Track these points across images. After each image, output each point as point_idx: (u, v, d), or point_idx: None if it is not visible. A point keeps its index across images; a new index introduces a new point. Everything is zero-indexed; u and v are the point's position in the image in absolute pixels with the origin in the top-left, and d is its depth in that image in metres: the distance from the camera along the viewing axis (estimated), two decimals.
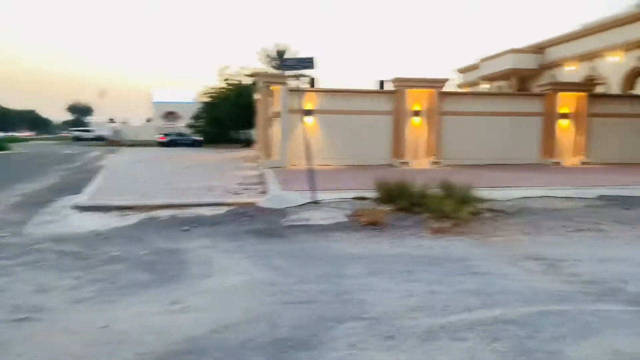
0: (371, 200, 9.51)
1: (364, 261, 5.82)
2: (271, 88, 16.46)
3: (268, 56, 40.99)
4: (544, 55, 29.68)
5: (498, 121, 17.25)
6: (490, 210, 8.94)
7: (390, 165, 16.81)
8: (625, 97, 19.04)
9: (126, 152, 31.82)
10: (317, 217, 8.46)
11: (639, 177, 13.08)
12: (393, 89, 16.96)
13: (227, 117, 35.49)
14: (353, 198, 9.65)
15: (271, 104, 16.91)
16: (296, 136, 16.35)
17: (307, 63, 8.80)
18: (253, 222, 8.30)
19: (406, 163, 16.53)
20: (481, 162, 17.08)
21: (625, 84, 22.87)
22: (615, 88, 23.11)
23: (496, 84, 34.03)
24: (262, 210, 9.10)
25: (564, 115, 17.28)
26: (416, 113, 16.85)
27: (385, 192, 9.39)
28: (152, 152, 31.47)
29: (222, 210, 9.26)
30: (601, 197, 10.10)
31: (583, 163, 17.19)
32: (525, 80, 31.41)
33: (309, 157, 9.52)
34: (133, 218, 8.74)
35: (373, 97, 16.87)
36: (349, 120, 16.82)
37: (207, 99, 38.40)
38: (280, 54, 39.82)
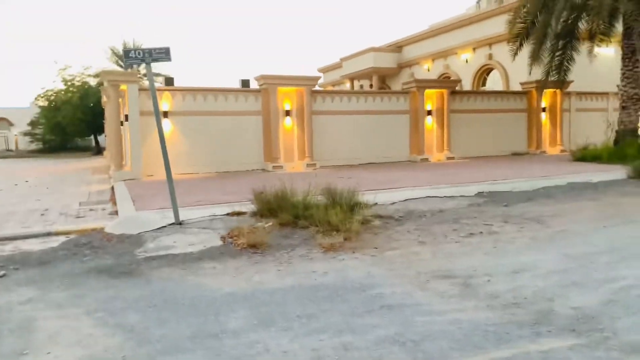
0: (248, 215, 8.19)
1: (249, 303, 4.51)
2: (120, 88, 14.18)
3: (115, 54, 37.13)
4: (401, 54, 30.95)
5: (369, 119, 17.03)
6: (378, 216, 8.19)
7: (263, 170, 15.60)
8: (479, 93, 20.21)
9: None
10: (182, 242, 6.90)
11: (503, 170, 13.62)
12: (260, 87, 15.74)
13: (71, 123, 31.33)
14: (227, 214, 8.24)
15: (121, 106, 14.62)
16: (151, 142, 14.33)
17: (160, 54, 7.16)
18: (98, 256, 6.47)
19: (280, 167, 15.45)
20: (355, 162, 16.72)
21: (477, 81, 24.55)
22: (467, 84, 24.69)
23: (358, 82, 34.82)
24: (111, 238, 7.25)
25: (429, 112, 17.66)
26: (287, 113, 15.85)
27: (264, 204, 8.14)
28: None
29: (57, 241, 7.22)
30: (479, 194, 10.02)
31: (448, 158, 17.74)
32: (386, 78, 32.55)
33: (167, 166, 7.87)
34: None
35: (239, 96, 15.49)
36: (213, 122, 15.23)
37: (45, 103, 33.50)
38: (129, 51, 36.21)
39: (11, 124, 51.61)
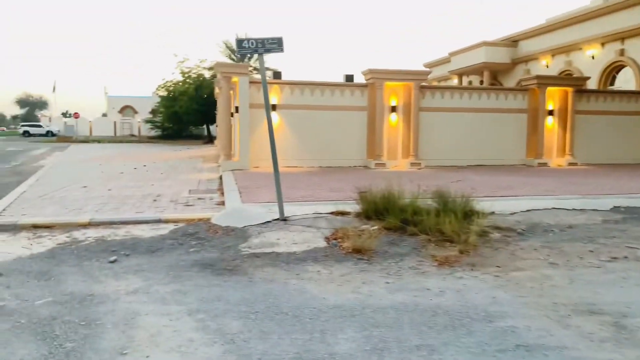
0: (353, 215, 7.79)
1: (358, 322, 4.08)
2: (232, 80, 14.48)
3: (228, 48, 38.70)
4: (516, 49, 28.78)
5: (481, 118, 15.85)
6: (497, 228, 7.37)
7: (365, 167, 15.16)
8: (610, 92, 17.99)
9: (76, 149, 29.11)
10: (286, 240, 6.66)
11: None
12: (366, 82, 15.26)
13: (186, 113, 33.20)
14: (331, 213, 7.90)
15: (232, 98, 14.95)
16: (260, 134, 14.49)
17: (273, 44, 6.96)
18: (204, 248, 6.44)
19: (383, 164, 14.90)
20: (463, 163, 15.68)
21: (604, 79, 22.02)
22: (592, 83, 22.23)
23: (467, 78, 33.02)
24: (217, 229, 7.24)
25: (551, 112, 16.05)
26: (393, 109, 15.23)
27: (370, 205, 7.68)
28: (106, 149, 28.90)
29: (166, 229, 7.35)
30: (615, 209, 8.72)
31: (570, 164, 16.02)
32: (498, 74, 30.49)
33: (275, 159, 7.69)
34: (48, 242, 6.74)
35: (345, 91, 15.14)
36: (319, 116, 15.05)
37: (165, 93, 35.86)
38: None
39: (135, 112, 56.46)
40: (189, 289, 4.94)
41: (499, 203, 8.75)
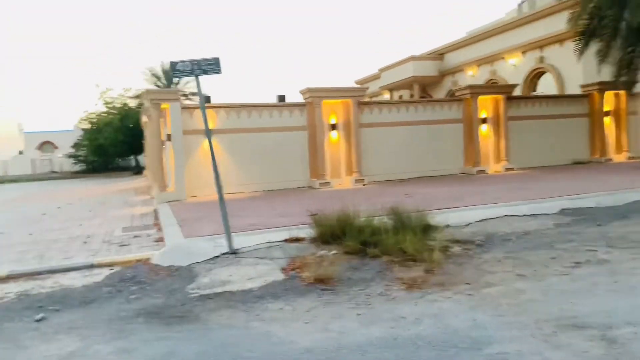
0: (308, 241, 7.31)
1: None
2: (162, 107, 13.68)
3: (154, 75, 37.45)
4: (443, 62, 29.81)
5: (419, 130, 15.98)
6: (456, 241, 7.17)
7: (309, 187, 14.77)
8: (537, 97, 18.83)
9: None
10: (240, 276, 6.06)
11: (576, 182, 12.31)
12: (305, 100, 14.98)
13: (112, 144, 31.62)
14: (284, 240, 7.38)
15: (163, 125, 14.11)
16: (195, 162, 13.75)
17: (210, 66, 6.42)
18: (147, 293, 5.70)
19: (327, 183, 14.58)
20: (405, 176, 15.70)
21: (527, 86, 23.15)
22: (517, 90, 23.27)
23: (397, 93, 33.81)
24: (159, 270, 6.50)
25: (484, 120, 16.49)
26: (333, 126, 15.02)
27: (325, 229, 7.24)
28: (24, 189, 26.62)
29: (100, 275, 6.52)
30: (563, 212, 8.85)
31: (507, 169, 16.48)
32: (427, 87, 31.42)
33: (219, 186, 7.09)
34: None
35: (284, 111, 14.76)
36: (258, 138, 14.54)
37: (88, 126, 34.01)
38: (168, 73, 36.46)
39: (56, 147, 53.04)
40: (135, 345, 4.25)
41: (453, 215, 8.62)
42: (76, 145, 38.98)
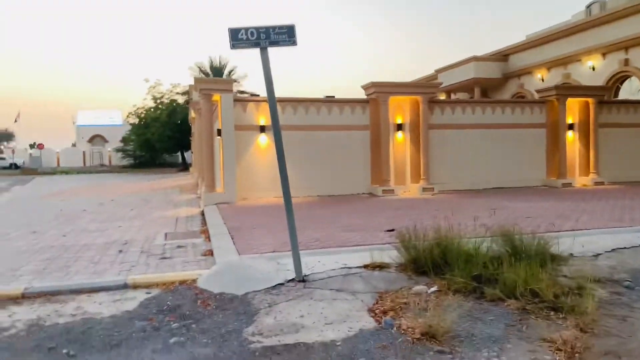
0: (395, 269, 5.70)
1: None
2: (213, 98, 12.39)
3: (202, 72, 36.70)
4: (507, 63, 27.58)
5: (496, 135, 14.11)
6: (596, 281, 5.36)
7: (370, 194, 13.15)
8: (632, 103, 16.48)
9: (40, 182, 26.36)
10: (314, 317, 4.50)
11: None
12: (368, 97, 13.37)
13: (159, 140, 31.08)
14: (364, 266, 5.78)
15: (214, 119, 12.81)
16: (248, 160, 12.39)
17: (281, 35, 4.92)
18: (191, 336, 4.24)
19: (391, 191, 12.92)
20: (479, 186, 13.84)
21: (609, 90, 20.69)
22: None
23: (454, 95, 31.68)
24: (208, 299, 5.04)
25: (571, 127, 14.41)
26: (399, 127, 13.35)
27: (419, 254, 5.60)
28: (72, 181, 26.23)
29: (134, 301, 5.12)
30: None
31: (596, 183, 14.32)
32: (488, 90, 29.20)
33: (286, 191, 5.56)
34: None
35: (345, 108, 13.22)
36: (314, 137, 13.05)
37: (135, 121, 33.65)
38: (217, 69, 35.60)
39: (106, 141, 53.72)
40: None
41: (569, 240, 6.78)
42: (124, 140, 38.97)
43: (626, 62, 19.93)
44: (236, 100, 12.39)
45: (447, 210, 9.99)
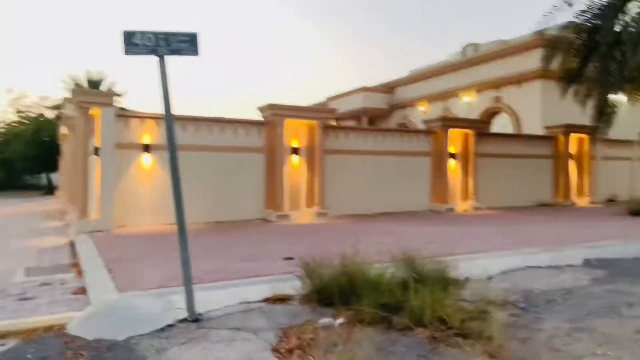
0: (298, 301, 5.29)
1: None
2: (90, 112, 11.17)
3: (77, 85, 33.77)
4: (393, 95, 29.16)
5: (387, 162, 14.54)
6: (491, 303, 5.45)
7: (264, 220, 12.70)
8: (506, 136, 18.12)
9: None
10: None
11: (567, 227, 11.23)
12: (264, 118, 13.05)
13: (21, 159, 27.60)
14: (265, 300, 5.29)
15: (90, 135, 11.53)
16: (127, 183, 11.32)
17: (183, 43, 4.39)
18: None
19: (286, 216, 12.59)
20: (371, 212, 14.09)
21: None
22: None
23: (343, 123, 32.68)
24: (80, 349, 4.19)
25: (452, 156, 15.35)
26: (294, 151, 13.15)
27: (324, 284, 5.27)
28: None
29: None
30: (589, 263, 7.47)
31: (475, 208, 15.34)
32: (375, 120, 30.55)
33: (180, 215, 4.90)
34: None
35: (238, 129, 12.73)
36: (205, 159, 12.34)
37: None
38: (94, 83, 32.94)
39: None
40: None
41: (465, 265, 6.95)
42: None
43: (498, 99, 22.03)
44: (118, 115, 11.29)
45: (344, 236, 9.89)
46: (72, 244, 9.53)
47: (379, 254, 6.61)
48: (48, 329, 4.61)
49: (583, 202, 17.76)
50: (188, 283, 4.66)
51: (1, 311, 5.18)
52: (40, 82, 57.98)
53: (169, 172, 5.06)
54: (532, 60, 19.81)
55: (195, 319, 4.68)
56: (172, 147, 4.81)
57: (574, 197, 17.75)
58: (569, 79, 13.73)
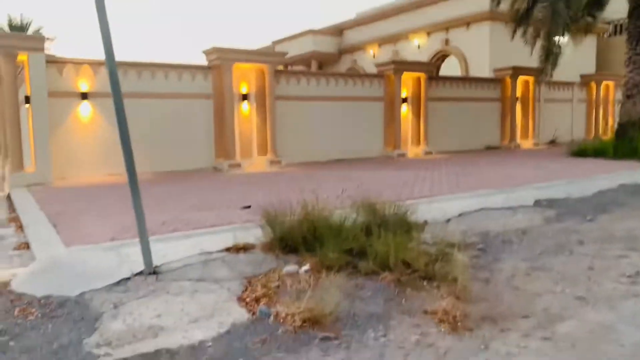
0: (260, 249, 5.15)
1: None
2: (18, 59, 10.17)
3: (13, 27, 30.61)
4: (342, 38, 28.55)
5: (339, 107, 14.34)
6: (451, 245, 5.54)
7: (215, 169, 12.34)
8: (456, 79, 18.22)
9: None
10: (175, 315, 3.75)
11: (517, 168, 11.61)
12: (210, 63, 12.39)
13: None
14: (226, 250, 5.11)
15: (19, 84, 10.56)
16: (66, 133, 10.59)
17: None
18: (9, 358, 3.19)
19: (237, 165, 12.28)
20: (324, 158, 13.99)
21: None
22: None
23: (291, 69, 31.90)
24: (29, 306, 3.91)
25: (405, 100, 15.34)
26: (244, 97, 12.68)
27: (286, 231, 5.14)
28: None
29: None
30: (540, 204, 7.75)
31: (426, 153, 15.56)
32: (323, 65, 29.96)
33: (130, 164, 4.55)
34: None
35: (183, 74, 12.07)
36: (150, 106, 11.68)
37: None
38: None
39: None
40: None
41: (422, 208, 7.02)
42: None
43: (447, 42, 22.00)
44: (50, 61, 10.34)
45: (300, 183, 9.75)
46: (8, 198, 8.89)
47: (338, 200, 6.52)
48: None
49: (528, 144, 18.43)
50: (143, 234, 4.39)
51: None
52: None
53: (115, 119, 4.63)
54: (481, 1, 19.78)
55: (152, 271, 4.46)
56: (116, 95, 4.42)
57: (519, 139, 18.36)
58: (518, 20, 13.82)
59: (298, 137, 13.52)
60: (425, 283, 4.41)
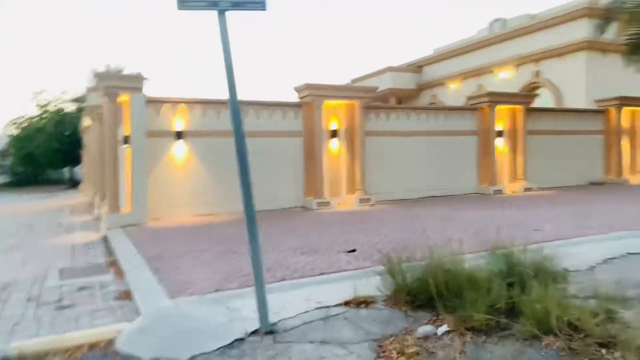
0: (383, 303, 4.46)
1: None
2: (118, 100, 10.44)
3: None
4: (421, 74, 27.98)
5: (431, 142, 13.58)
6: (609, 299, 4.55)
7: (303, 208, 11.91)
8: (558, 111, 16.93)
9: None
10: None
11: (636, 206, 10.20)
12: (301, 100, 12.17)
13: (44, 153, 27.19)
14: (344, 303, 4.47)
15: (118, 124, 10.80)
16: (161, 172, 10.64)
17: None
18: None
19: (327, 203, 11.77)
20: (415, 196, 13.20)
21: None
22: None
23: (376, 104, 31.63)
24: None
25: (500, 134, 14.30)
26: (334, 134, 12.29)
27: (411, 283, 4.42)
28: None
29: None
30: None
31: (525, 189, 14.29)
32: (402, 101, 29.42)
33: (249, 203, 4.10)
34: None
35: (275, 112, 11.89)
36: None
37: (17, 132, 29.32)
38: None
39: None
40: None
41: (551, 253, 6.05)
42: (1, 154, 33.98)
43: (537, 73, 20.73)
44: (149, 101, 10.52)
45: (398, 223, 9.03)
46: (105, 240, 8.87)
47: (451, 243, 5.75)
48: (93, 345, 3.88)
49: (636, 179, 16.53)
50: (260, 286, 3.87)
51: (39, 323, 4.46)
52: (59, 77, 57.75)
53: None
54: (576, 31, 18.57)
55: (269, 330, 3.88)
56: (237, 129, 4.01)
57: (626, 174, 16.54)
58: (632, 48, 12.51)
59: (387, 173, 12.86)
60: (603, 352, 3.49)
